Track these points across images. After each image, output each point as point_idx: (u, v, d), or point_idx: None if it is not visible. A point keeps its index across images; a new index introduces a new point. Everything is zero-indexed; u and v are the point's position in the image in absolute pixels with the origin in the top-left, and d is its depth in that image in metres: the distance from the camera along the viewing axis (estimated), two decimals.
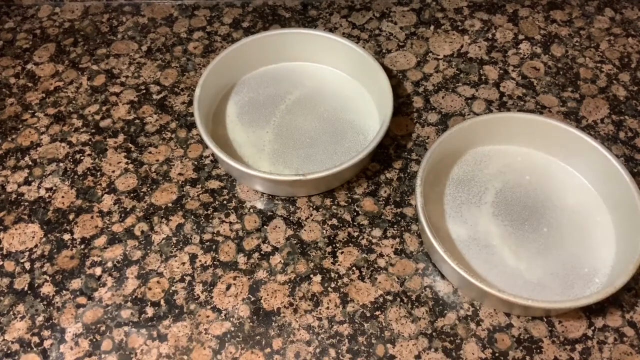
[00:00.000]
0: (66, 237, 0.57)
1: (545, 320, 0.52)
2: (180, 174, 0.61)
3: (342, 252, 0.55)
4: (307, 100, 0.66)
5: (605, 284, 0.52)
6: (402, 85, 0.67)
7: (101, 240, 0.57)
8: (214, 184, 0.60)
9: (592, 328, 0.51)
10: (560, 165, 0.60)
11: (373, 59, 0.62)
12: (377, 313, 0.52)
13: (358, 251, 0.56)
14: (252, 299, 0.53)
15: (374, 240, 0.56)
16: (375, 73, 0.61)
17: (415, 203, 0.53)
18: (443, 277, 0.54)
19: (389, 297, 0.53)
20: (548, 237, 0.55)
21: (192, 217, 0.58)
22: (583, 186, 0.58)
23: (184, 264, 0.55)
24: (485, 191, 0.59)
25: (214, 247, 0.56)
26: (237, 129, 0.64)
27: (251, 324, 0.52)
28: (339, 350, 0.50)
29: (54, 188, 0.60)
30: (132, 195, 0.60)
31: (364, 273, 0.54)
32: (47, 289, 0.54)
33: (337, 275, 0.54)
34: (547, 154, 0.60)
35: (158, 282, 0.54)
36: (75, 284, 0.54)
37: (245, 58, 0.66)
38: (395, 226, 0.57)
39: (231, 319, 0.52)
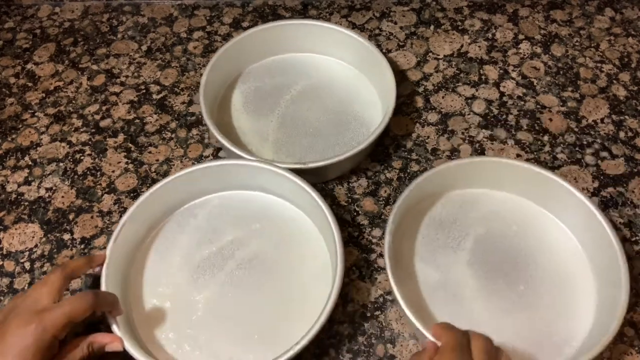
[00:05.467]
0: (66, 237, 0.57)
1: None
2: None
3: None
4: (312, 91, 0.66)
5: (573, 357, 0.48)
6: (402, 85, 0.67)
7: (101, 240, 0.57)
8: None
9: None
10: (553, 220, 0.56)
11: (379, 52, 0.62)
12: (377, 313, 0.52)
13: (358, 251, 0.55)
14: None
15: (374, 240, 0.56)
16: (380, 65, 0.61)
17: (384, 241, 0.50)
18: None
19: (389, 297, 0.53)
20: (523, 296, 0.51)
21: None
22: (573, 247, 0.54)
23: None
24: (465, 236, 0.55)
25: None
26: (242, 118, 0.64)
27: None
28: (339, 350, 0.50)
29: (54, 188, 0.60)
30: (132, 195, 0.60)
31: (364, 273, 0.54)
32: None
33: None
34: (540, 206, 0.56)
35: None
36: (75, 284, 0.54)
37: (253, 47, 0.66)
38: None
39: None
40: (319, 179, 0.59)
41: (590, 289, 0.52)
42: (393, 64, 0.69)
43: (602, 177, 0.60)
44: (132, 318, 0.51)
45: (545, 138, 0.63)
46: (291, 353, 0.44)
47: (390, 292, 0.53)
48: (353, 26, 0.73)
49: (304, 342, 0.45)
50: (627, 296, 0.46)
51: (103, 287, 0.48)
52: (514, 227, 0.55)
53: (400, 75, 0.68)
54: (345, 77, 0.67)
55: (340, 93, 0.66)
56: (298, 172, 0.54)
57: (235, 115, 0.64)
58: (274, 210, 0.57)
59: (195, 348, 0.50)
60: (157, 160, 0.62)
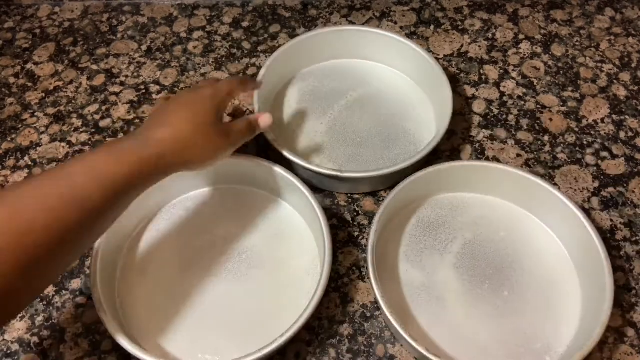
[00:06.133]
0: None
1: None
2: None
3: (342, 252, 0.55)
4: (368, 100, 0.65)
5: None
6: None
7: None
8: None
9: None
10: (541, 227, 0.55)
11: (442, 72, 0.60)
12: (377, 313, 0.52)
13: (358, 251, 0.55)
14: None
15: None
16: (441, 84, 0.60)
17: (367, 241, 0.50)
18: None
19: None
20: (507, 302, 0.51)
21: None
22: (560, 254, 0.54)
23: None
24: (453, 239, 0.55)
25: None
26: (293, 115, 0.64)
27: None
28: (339, 350, 0.50)
29: None
30: None
31: (363, 273, 0.54)
32: (47, 289, 0.54)
33: (337, 275, 0.54)
34: (528, 212, 0.56)
35: None
36: (75, 284, 0.54)
37: (318, 48, 0.66)
38: None
39: None
40: (352, 190, 0.59)
41: (575, 295, 0.51)
42: None
43: (602, 177, 0.60)
44: (121, 307, 0.51)
45: (546, 138, 0.63)
46: (274, 346, 0.45)
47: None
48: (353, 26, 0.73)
49: (289, 334, 0.45)
50: (611, 303, 0.46)
51: (92, 276, 0.48)
52: (502, 232, 0.55)
53: None
54: (404, 91, 0.66)
55: (397, 106, 0.64)
56: (334, 179, 0.55)
57: (287, 112, 0.64)
58: (266, 206, 0.57)
59: (182, 339, 0.50)
60: None
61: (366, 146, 0.61)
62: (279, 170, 0.53)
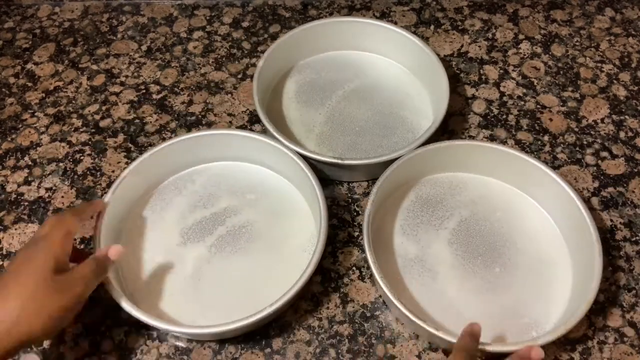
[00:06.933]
0: None
1: None
2: None
3: (342, 252, 0.55)
4: (365, 90, 0.66)
5: (538, 337, 0.47)
6: None
7: None
8: None
9: (592, 328, 0.51)
10: (539, 210, 0.56)
11: (437, 60, 0.61)
12: (377, 313, 0.52)
13: (358, 251, 0.55)
14: None
15: None
16: (437, 74, 0.60)
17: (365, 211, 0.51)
18: None
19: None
20: (498, 277, 0.52)
21: None
22: (556, 237, 0.55)
23: None
24: (449, 217, 0.56)
25: None
26: (292, 106, 0.65)
27: None
28: (339, 350, 0.50)
29: (54, 188, 0.60)
30: None
31: (364, 273, 0.54)
32: None
33: (337, 275, 0.54)
34: (528, 195, 0.57)
35: None
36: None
37: (315, 39, 0.67)
38: None
39: None
40: (352, 178, 0.59)
41: (567, 278, 0.53)
42: None
43: (602, 177, 0.60)
44: (122, 268, 0.53)
45: (546, 138, 0.63)
46: (260, 316, 0.46)
47: None
48: None
49: (277, 305, 0.46)
50: (598, 282, 0.47)
51: (97, 236, 0.50)
52: (498, 213, 0.57)
53: None
54: (401, 81, 0.67)
55: (394, 96, 0.65)
56: (334, 167, 0.55)
57: (285, 103, 0.65)
58: (270, 184, 0.59)
59: (175, 303, 0.52)
60: None
61: (364, 135, 0.62)
62: (287, 152, 0.54)
